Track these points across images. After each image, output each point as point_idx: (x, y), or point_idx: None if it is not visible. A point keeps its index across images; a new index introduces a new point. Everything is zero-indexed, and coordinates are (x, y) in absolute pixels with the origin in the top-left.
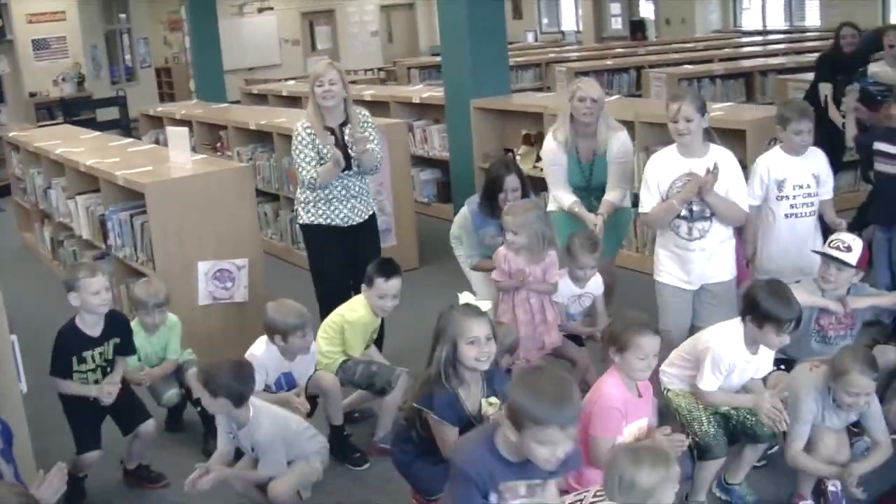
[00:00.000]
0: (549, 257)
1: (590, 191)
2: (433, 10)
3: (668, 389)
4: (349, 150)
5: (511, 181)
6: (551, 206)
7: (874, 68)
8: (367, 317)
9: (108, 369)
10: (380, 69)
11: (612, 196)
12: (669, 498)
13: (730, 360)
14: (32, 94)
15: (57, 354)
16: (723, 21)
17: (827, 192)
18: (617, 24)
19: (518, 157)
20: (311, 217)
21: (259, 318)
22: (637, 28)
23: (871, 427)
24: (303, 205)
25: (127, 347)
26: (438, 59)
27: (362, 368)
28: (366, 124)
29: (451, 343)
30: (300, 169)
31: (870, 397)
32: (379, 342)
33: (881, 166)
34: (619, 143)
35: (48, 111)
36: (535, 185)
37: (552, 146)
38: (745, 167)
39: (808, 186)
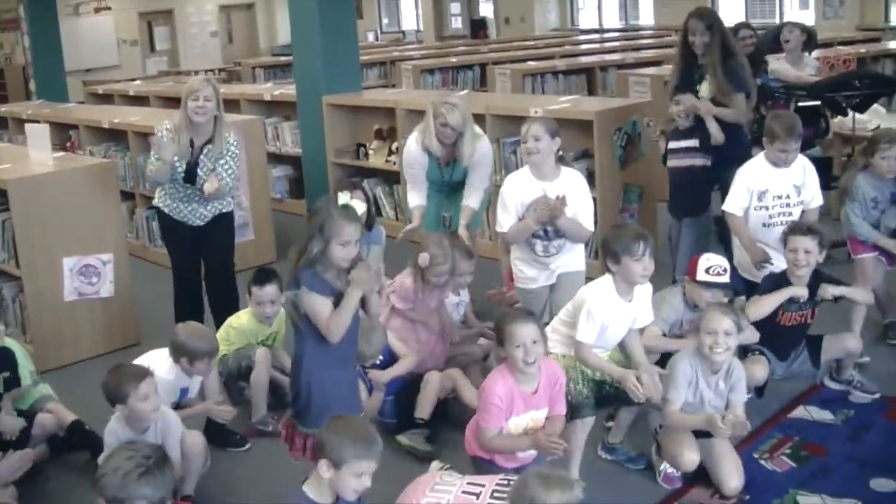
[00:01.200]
0: (449, 285)
1: (447, 186)
2: (273, 10)
3: (550, 353)
4: (198, 169)
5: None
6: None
7: (773, 65)
8: (250, 324)
9: None
10: (221, 70)
11: (471, 202)
12: None
13: (605, 307)
14: None
15: None
16: (560, 20)
17: (813, 200)
18: (457, 23)
19: (371, 152)
20: (159, 202)
21: (126, 312)
22: (479, 26)
23: (734, 402)
24: (159, 190)
25: (16, 378)
26: (283, 58)
27: (232, 356)
28: (227, 153)
29: (325, 240)
30: (150, 164)
31: (729, 338)
32: None
33: (670, 162)
34: (479, 151)
35: None
36: (389, 179)
37: (413, 148)
38: (592, 156)
39: (788, 197)
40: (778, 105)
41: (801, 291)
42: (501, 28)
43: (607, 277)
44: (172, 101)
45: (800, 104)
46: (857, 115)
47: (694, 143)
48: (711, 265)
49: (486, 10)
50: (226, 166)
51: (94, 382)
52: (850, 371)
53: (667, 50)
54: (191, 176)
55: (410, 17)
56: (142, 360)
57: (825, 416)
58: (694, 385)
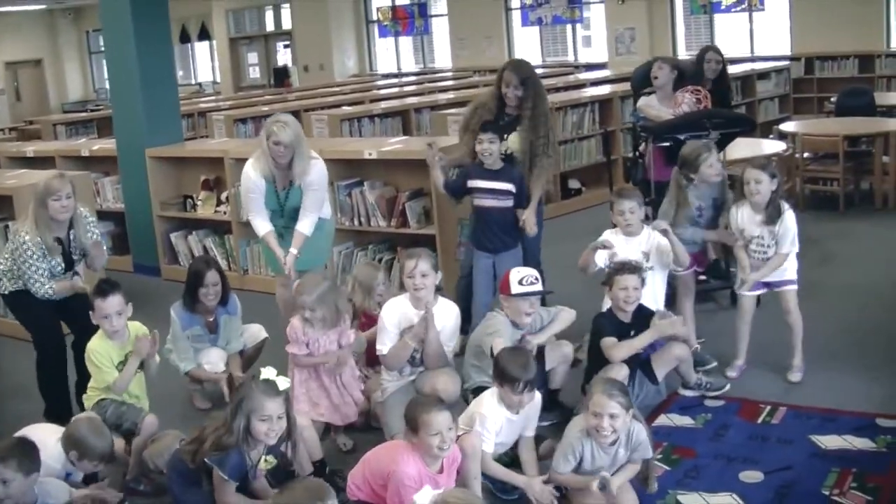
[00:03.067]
0: (343, 322)
1: (284, 214)
2: (62, 66)
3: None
4: (72, 256)
5: (211, 276)
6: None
7: (641, 102)
8: (102, 342)
9: None
10: (11, 128)
11: (302, 226)
12: None
13: (493, 417)
14: None
15: None
16: (359, 66)
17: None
18: (255, 72)
19: (199, 203)
20: (15, 285)
21: None
22: (282, 75)
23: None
24: (6, 274)
25: None
26: (83, 115)
27: (113, 408)
28: (90, 225)
29: (246, 416)
30: (35, 283)
31: (616, 420)
32: None
33: (479, 201)
34: (313, 173)
35: None
36: (219, 229)
37: (251, 175)
38: (428, 194)
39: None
40: (646, 144)
41: (659, 334)
42: (301, 75)
43: (494, 392)
44: None
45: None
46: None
47: (509, 187)
48: (522, 276)
49: (283, 58)
50: (98, 238)
51: None
52: (695, 376)
53: (471, 90)
54: (69, 264)
55: (206, 69)
56: (28, 432)
57: (686, 421)
58: (589, 458)
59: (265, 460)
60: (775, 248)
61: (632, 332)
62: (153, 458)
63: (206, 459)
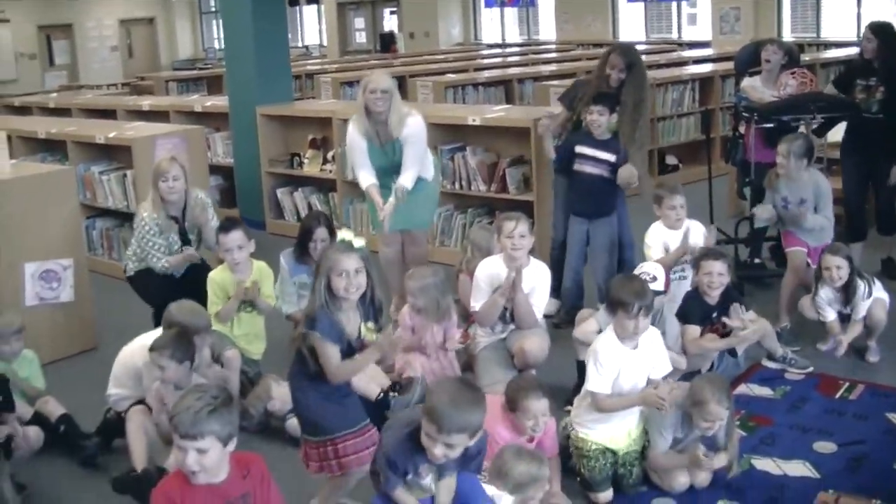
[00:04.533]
0: (449, 320)
1: (391, 170)
2: (173, 25)
3: (571, 429)
4: (188, 235)
5: (320, 232)
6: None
7: (745, 83)
8: (222, 273)
9: None
10: (124, 84)
11: (403, 179)
12: (537, 494)
13: (608, 354)
14: None
15: None
16: (464, 34)
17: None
18: (361, 37)
19: (306, 161)
20: (138, 266)
21: (84, 317)
22: (389, 41)
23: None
24: (132, 257)
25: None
26: (194, 72)
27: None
28: (209, 210)
29: (326, 275)
30: (152, 258)
31: (724, 422)
32: None
33: (580, 167)
34: (410, 127)
35: None
36: (324, 187)
37: (352, 133)
38: (528, 161)
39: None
40: (748, 125)
41: (746, 343)
42: (406, 42)
43: (610, 328)
44: (94, 113)
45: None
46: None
47: (611, 157)
48: (641, 273)
49: (389, 24)
50: (212, 218)
51: (52, 386)
52: (780, 350)
53: (574, 63)
54: (185, 242)
55: (313, 33)
56: (138, 340)
57: (765, 391)
58: (686, 430)
59: (366, 327)
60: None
61: (714, 315)
62: (253, 405)
63: (300, 331)
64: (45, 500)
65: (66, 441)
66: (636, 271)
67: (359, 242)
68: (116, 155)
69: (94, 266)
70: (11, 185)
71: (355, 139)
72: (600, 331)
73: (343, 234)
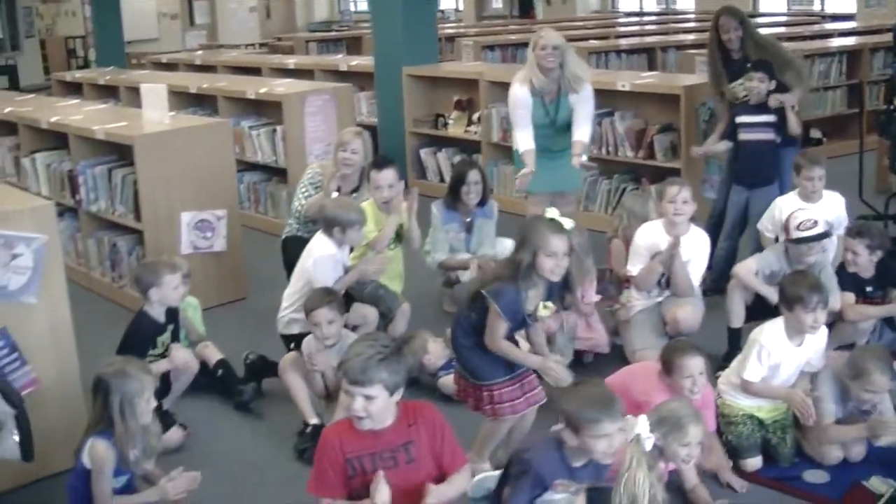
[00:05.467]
0: (591, 282)
1: (554, 128)
2: None
3: (718, 397)
4: None
5: (473, 175)
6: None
7: None
8: (371, 209)
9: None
10: (262, 44)
11: (580, 134)
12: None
13: (774, 348)
14: None
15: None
16: (602, 2)
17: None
18: (498, 2)
19: (450, 122)
20: (290, 229)
21: (236, 267)
22: (528, 6)
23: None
24: (294, 215)
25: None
26: (333, 33)
27: (373, 287)
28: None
29: (532, 252)
30: (296, 201)
31: (886, 394)
32: None
33: (743, 135)
34: (585, 89)
35: None
36: (467, 149)
37: (518, 90)
38: (676, 129)
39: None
40: None
41: None
42: (544, 8)
43: (779, 320)
44: (239, 70)
45: None
46: None
47: (770, 118)
48: (800, 221)
49: None
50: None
51: (206, 332)
52: None
53: None
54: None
55: None
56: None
57: None
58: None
59: (544, 306)
60: None
61: (868, 288)
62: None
63: (482, 291)
64: (202, 439)
65: (224, 385)
66: (792, 222)
67: (568, 223)
68: (265, 110)
69: (241, 220)
70: (172, 136)
71: (522, 96)
72: (758, 273)
73: (551, 212)
